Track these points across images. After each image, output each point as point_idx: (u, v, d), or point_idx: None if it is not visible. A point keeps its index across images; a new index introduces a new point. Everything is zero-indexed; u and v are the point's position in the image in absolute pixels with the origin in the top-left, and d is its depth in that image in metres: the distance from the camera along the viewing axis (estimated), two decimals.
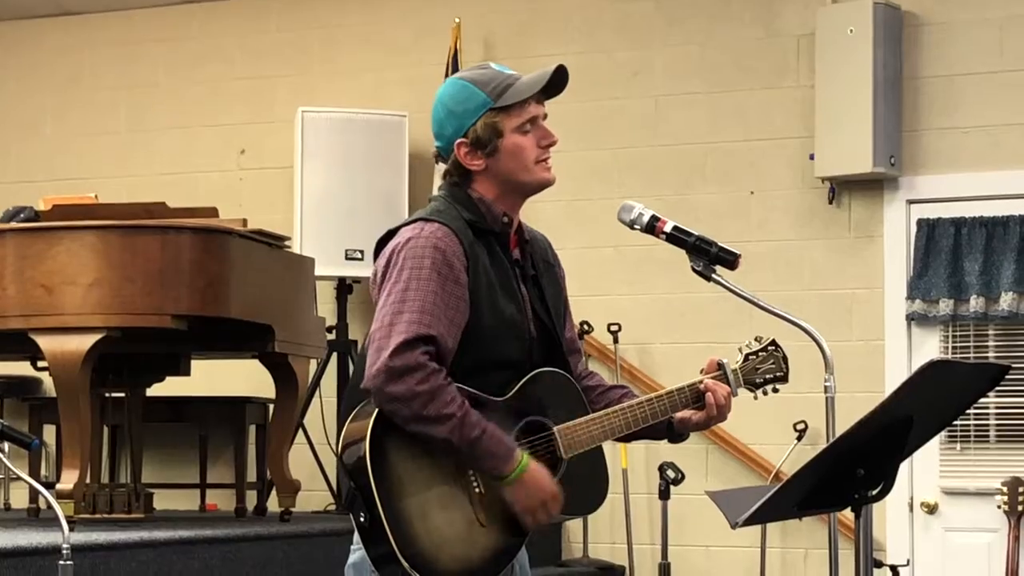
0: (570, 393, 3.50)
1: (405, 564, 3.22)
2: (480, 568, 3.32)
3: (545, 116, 3.53)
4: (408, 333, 3.25)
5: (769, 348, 3.67)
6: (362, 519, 3.27)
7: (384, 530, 3.23)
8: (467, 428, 3.26)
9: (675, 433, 3.62)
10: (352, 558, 3.43)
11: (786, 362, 3.68)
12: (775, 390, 3.68)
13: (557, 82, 3.52)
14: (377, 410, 3.28)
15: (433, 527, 3.27)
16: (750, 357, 3.65)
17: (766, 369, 3.66)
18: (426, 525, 3.26)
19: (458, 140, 3.45)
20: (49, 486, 5.85)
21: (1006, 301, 7.27)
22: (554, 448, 3.43)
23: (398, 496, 3.25)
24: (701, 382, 3.56)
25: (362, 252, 7.75)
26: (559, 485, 3.40)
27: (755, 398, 3.68)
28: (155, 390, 7.10)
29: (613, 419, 3.50)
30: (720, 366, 3.62)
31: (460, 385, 3.32)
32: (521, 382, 3.42)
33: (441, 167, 3.57)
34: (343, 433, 3.36)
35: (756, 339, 3.69)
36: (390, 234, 3.44)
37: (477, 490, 3.33)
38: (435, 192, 3.59)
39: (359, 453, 3.27)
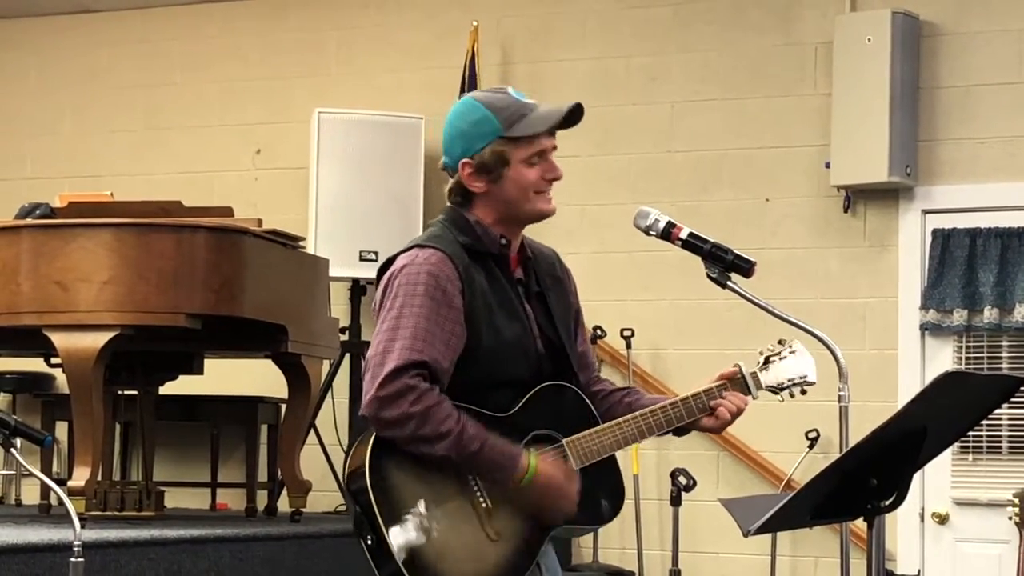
0: (577, 406, 3.50)
1: None
2: None
3: (554, 148, 3.51)
4: (399, 360, 3.28)
5: (793, 350, 3.65)
6: (369, 542, 3.28)
7: (391, 553, 3.24)
8: (466, 442, 3.28)
9: (679, 430, 3.61)
10: None
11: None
12: (803, 391, 3.65)
13: (573, 117, 3.50)
14: (375, 435, 3.31)
15: (440, 545, 3.27)
16: (771, 360, 3.64)
17: (790, 371, 3.63)
18: (432, 544, 3.27)
19: (463, 160, 3.46)
20: (61, 483, 5.85)
21: (1020, 312, 7.26)
22: (565, 459, 3.42)
23: (402, 516, 3.27)
24: (716, 394, 3.54)
25: (376, 254, 7.75)
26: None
27: (781, 400, 3.66)
28: (168, 388, 7.11)
29: (626, 427, 3.49)
30: (739, 371, 3.60)
31: (463, 404, 3.33)
32: (525, 398, 3.43)
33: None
34: (348, 458, 3.39)
35: (779, 342, 3.67)
36: (389, 261, 3.47)
37: (484, 505, 3.33)
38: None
39: (361, 478, 3.29)
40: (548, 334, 3.52)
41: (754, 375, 3.60)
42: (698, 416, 3.54)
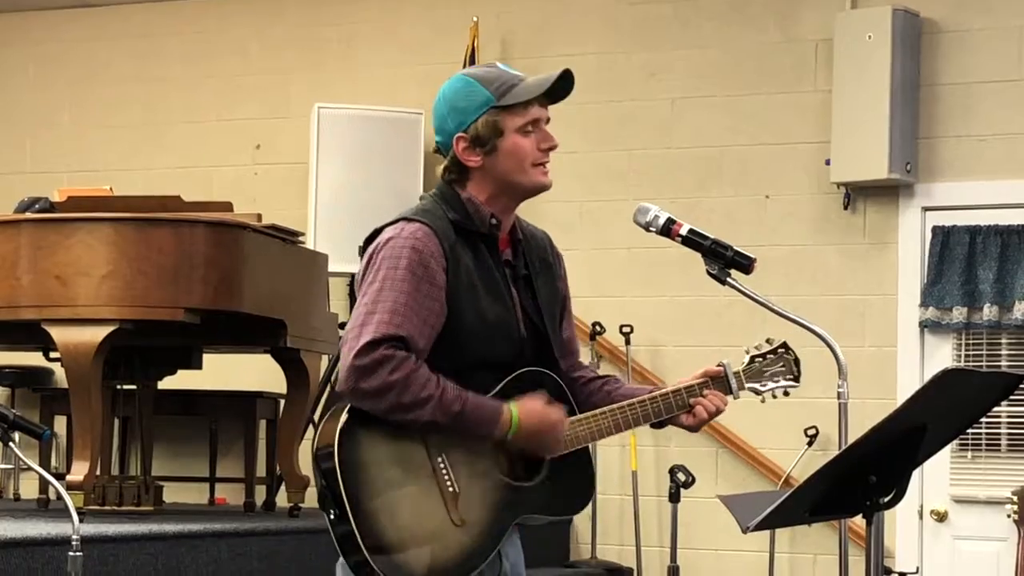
0: (556, 393, 3.47)
1: (375, 566, 3.23)
2: (453, 569, 3.31)
3: (548, 120, 3.49)
4: (376, 333, 3.26)
5: (779, 351, 3.64)
6: (332, 516, 3.27)
7: (351, 528, 3.23)
8: (447, 404, 3.27)
9: (657, 423, 3.60)
10: (343, 558, 3.42)
11: (798, 365, 3.64)
12: (785, 393, 3.64)
13: (563, 87, 3.47)
14: (347, 410, 3.29)
15: (402, 526, 3.26)
16: (756, 360, 3.62)
17: (774, 372, 3.62)
18: (395, 524, 3.26)
19: (458, 135, 3.43)
20: (59, 477, 5.86)
21: (1020, 310, 7.26)
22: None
23: (367, 496, 3.25)
24: (697, 391, 3.53)
25: None
26: (538, 486, 3.40)
27: (762, 401, 3.63)
28: (166, 383, 7.11)
29: (602, 420, 3.48)
30: (723, 370, 3.58)
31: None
32: (503, 382, 3.41)
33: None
34: (317, 434, 3.36)
35: (767, 341, 3.66)
36: (375, 233, 3.44)
37: (451, 489, 3.31)
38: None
39: (328, 454, 3.27)
40: (532, 318, 3.50)
41: (738, 375, 3.59)
42: (676, 413, 3.53)
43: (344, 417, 3.29)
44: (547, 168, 3.48)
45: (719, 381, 3.57)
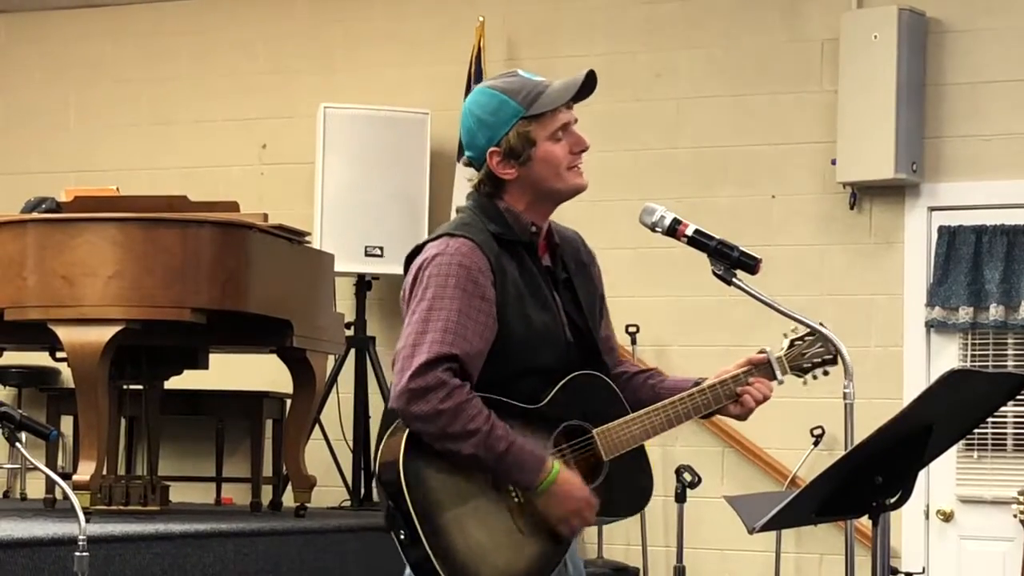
0: (608, 394, 3.49)
1: None
2: None
3: (575, 121, 3.51)
4: (430, 353, 3.26)
5: (817, 332, 3.63)
6: (402, 537, 3.27)
7: (424, 547, 3.23)
8: (493, 442, 3.26)
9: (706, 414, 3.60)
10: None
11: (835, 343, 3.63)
12: (825, 373, 3.64)
13: (587, 87, 3.50)
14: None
15: (472, 540, 3.27)
16: (796, 343, 3.63)
17: (814, 353, 3.62)
18: (465, 538, 3.26)
19: (491, 149, 3.44)
20: (66, 477, 5.85)
21: None
22: (595, 451, 3.42)
23: (436, 512, 3.25)
24: (743, 380, 3.54)
25: (381, 249, 7.76)
26: (599, 489, 3.39)
27: (804, 383, 3.65)
28: (173, 383, 7.11)
29: (654, 417, 3.48)
30: (767, 357, 3.59)
31: (496, 396, 3.32)
32: (555, 388, 3.41)
33: (467, 171, 3.56)
34: (379, 450, 3.36)
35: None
36: (418, 250, 3.44)
37: (516, 499, 3.32)
38: (463, 200, 3.57)
39: (394, 471, 3.27)
40: (576, 321, 3.51)
41: (780, 360, 3.60)
42: (724, 403, 3.55)
43: (406, 436, 3.28)
44: (581, 169, 3.52)
45: (762, 368, 3.58)
